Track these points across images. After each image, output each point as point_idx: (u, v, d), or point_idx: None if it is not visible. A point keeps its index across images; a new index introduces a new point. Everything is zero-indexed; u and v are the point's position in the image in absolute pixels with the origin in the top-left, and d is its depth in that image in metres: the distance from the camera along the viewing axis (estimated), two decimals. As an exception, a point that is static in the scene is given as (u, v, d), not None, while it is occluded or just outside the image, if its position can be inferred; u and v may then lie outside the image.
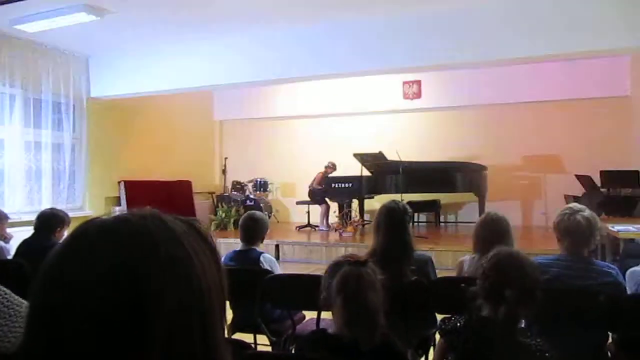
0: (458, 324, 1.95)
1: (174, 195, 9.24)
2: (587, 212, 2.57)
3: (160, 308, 0.59)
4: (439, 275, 3.13)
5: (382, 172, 9.15)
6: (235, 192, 10.73)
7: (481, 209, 8.60)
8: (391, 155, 8.85)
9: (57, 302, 0.59)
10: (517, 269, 1.82)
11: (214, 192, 11.12)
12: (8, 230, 4.53)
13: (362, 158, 9.08)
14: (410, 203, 3.50)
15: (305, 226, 9.87)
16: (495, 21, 6.03)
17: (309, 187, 9.87)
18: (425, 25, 6.33)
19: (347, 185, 9.23)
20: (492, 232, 2.81)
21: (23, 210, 7.09)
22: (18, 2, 5.48)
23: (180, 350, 0.60)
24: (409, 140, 10.19)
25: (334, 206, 9.76)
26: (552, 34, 5.77)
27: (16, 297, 1.34)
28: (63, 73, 7.94)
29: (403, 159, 8.48)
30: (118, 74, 8.11)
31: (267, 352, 2.78)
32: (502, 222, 2.89)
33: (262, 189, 11.01)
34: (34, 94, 7.65)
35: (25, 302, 1.35)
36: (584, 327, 2.43)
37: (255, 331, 3.33)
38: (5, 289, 1.32)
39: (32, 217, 4.12)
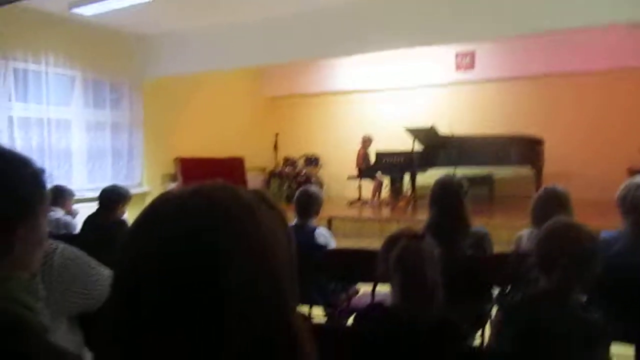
0: (514, 298, 1.94)
1: (227, 171, 9.40)
2: (654, 186, 2.51)
3: (232, 278, 0.60)
4: (495, 251, 3.06)
5: (434, 146, 9.04)
6: (287, 168, 10.82)
7: (537, 183, 8.37)
8: (444, 129, 8.73)
9: (136, 266, 0.61)
10: (572, 238, 1.76)
11: (265, 168, 11.27)
12: (73, 207, 4.75)
13: (414, 132, 8.99)
14: (463, 177, 3.50)
15: (357, 201, 9.83)
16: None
17: (356, 165, 9.83)
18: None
19: (398, 160, 9.18)
20: (552, 205, 2.74)
21: (86, 187, 7.33)
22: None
23: (254, 317, 0.61)
24: (462, 114, 10.00)
25: (385, 181, 9.70)
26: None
27: (95, 260, 1.44)
28: (119, 54, 8.15)
29: (456, 133, 8.41)
30: (171, 54, 8.20)
31: (326, 325, 2.83)
32: (561, 195, 2.83)
33: (313, 164, 11.07)
34: (93, 75, 7.92)
35: (104, 266, 1.45)
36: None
37: (311, 304, 3.36)
38: (83, 253, 1.42)
39: (94, 194, 4.27)
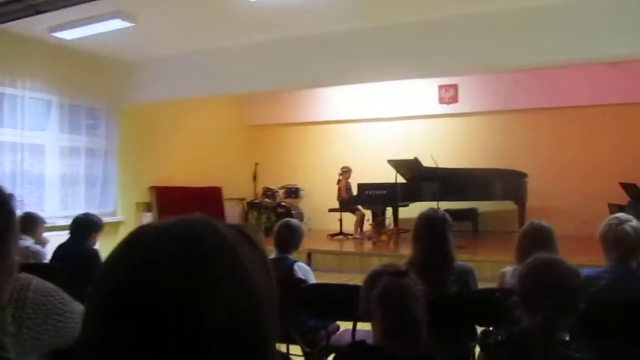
0: (499, 337, 1.92)
1: (204, 201, 9.28)
2: (635, 222, 2.53)
3: (213, 314, 0.59)
4: (479, 287, 3.07)
5: (417, 179, 9.05)
6: (266, 199, 10.74)
7: (521, 218, 8.47)
8: (427, 162, 8.75)
9: (113, 298, 0.60)
10: (556, 275, 1.77)
11: (244, 199, 11.17)
12: (44, 235, 4.54)
13: (397, 164, 9.01)
14: (448, 211, 3.54)
15: (338, 234, 9.77)
16: (544, 22, 5.88)
17: (338, 198, 9.85)
18: (472, 25, 6.22)
19: (381, 192, 9.13)
20: (536, 241, 2.74)
21: (58, 215, 7.19)
22: (56, 11, 5.65)
23: (233, 354, 0.60)
24: (445, 146, 10.10)
25: (367, 214, 9.68)
26: (610, 35, 5.55)
27: (67, 296, 1.40)
28: (98, 78, 8.07)
29: (439, 166, 8.41)
30: (151, 80, 8.18)
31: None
32: (546, 231, 2.85)
33: (293, 196, 10.97)
34: (70, 100, 7.84)
35: (76, 302, 1.41)
36: (631, 343, 2.36)
37: (289, 341, 3.29)
38: (56, 288, 1.38)
39: (66, 222, 4.24)
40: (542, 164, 9.58)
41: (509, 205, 9.00)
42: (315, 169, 11.23)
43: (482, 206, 9.61)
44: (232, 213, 10.45)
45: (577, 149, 9.52)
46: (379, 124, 10.93)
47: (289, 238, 3.59)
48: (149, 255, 0.62)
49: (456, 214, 8.85)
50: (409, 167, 9.07)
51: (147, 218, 8.68)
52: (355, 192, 9.60)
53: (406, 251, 4.64)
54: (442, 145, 10.10)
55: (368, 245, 8.91)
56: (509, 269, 2.99)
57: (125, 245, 0.64)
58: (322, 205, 10.41)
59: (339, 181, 9.91)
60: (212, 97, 8.70)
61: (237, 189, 10.98)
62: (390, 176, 9.00)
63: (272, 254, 3.58)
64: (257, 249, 0.69)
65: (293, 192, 11.00)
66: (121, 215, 8.48)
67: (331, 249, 8.62)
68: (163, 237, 0.63)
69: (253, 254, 0.68)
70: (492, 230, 9.74)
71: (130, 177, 8.75)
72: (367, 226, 9.71)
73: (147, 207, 9.03)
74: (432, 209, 3.10)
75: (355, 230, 9.74)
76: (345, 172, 9.86)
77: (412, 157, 8.95)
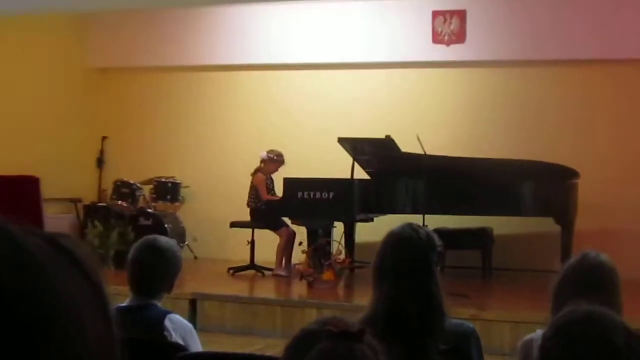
0: None
1: (8, 200, 9.23)
2: None
3: None
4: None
5: (389, 173, 9.25)
6: (120, 201, 10.56)
7: (566, 247, 8.51)
8: (407, 144, 8.68)
9: None
10: (599, 343, 1.89)
11: (80, 200, 11.29)
12: None
13: (355, 147, 9.01)
14: (439, 231, 3.58)
15: (246, 267, 9.73)
16: None
17: (249, 204, 9.92)
18: None
19: (324, 194, 9.13)
20: (588, 285, 2.92)
21: None
22: None
23: None
24: (439, 119, 10.29)
25: (300, 232, 9.57)
26: None
27: None
28: None
29: (428, 152, 8.39)
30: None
31: None
32: (606, 270, 3.03)
33: (168, 197, 10.87)
34: None
35: None
36: None
37: None
38: None
39: None
40: (603, 157, 9.76)
41: (546, 224, 9.12)
42: (212, 151, 11.37)
43: (499, 224, 9.69)
44: (57, 223, 10.49)
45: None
46: (327, 74, 11.10)
47: (156, 271, 3.66)
48: None
49: (454, 237, 9.58)
50: (376, 153, 9.18)
51: None
52: (280, 194, 9.68)
53: (363, 299, 4.73)
54: (434, 117, 10.29)
55: (299, 288, 8.96)
56: (538, 335, 2.98)
57: None
58: (219, 216, 10.52)
59: (254, 173, 9.93)
60: (25, 18, 8.81)
61: (67, 181, 11.08)
62: (344, 168, 9.06)
63: (126, 300, 3.66)
64: (87, 276, 0.73)
65: (168, 191, 10.87)
66: None
67: (233, 292, 8.68)
68: None
69: (78, 284, 0.72)
70: (514, 267, 9.90)
71: None
72: (298, 254, 9.58)
73: None
74: (409, 224, 3.19)
75: (278, 262, 9.74)
76: (271, 159, 9.87)
77: (382, 136, 8.95)
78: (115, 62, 11.84)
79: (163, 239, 3.83)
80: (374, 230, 8.68)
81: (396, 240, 3.06)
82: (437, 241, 3.10)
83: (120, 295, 3.71)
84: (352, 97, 10.91)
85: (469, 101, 10.54)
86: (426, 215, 8.15)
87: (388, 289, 3.01)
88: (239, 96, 11.64)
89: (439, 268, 3.11)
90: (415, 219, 7.51)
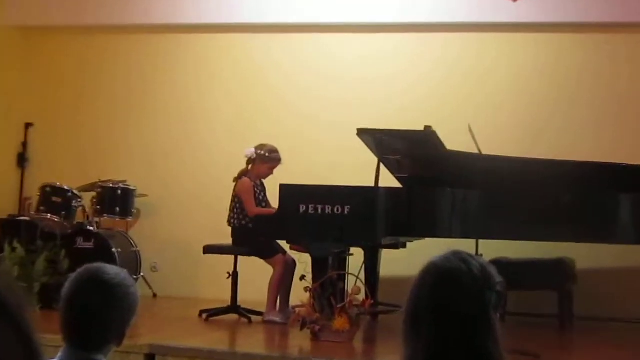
0: None
1: None
2: None
3: None
4: None
5: (429, 180, 9.10)
6: (50, 215, 10.21)
7: None
8: (454, 140, 8.45)
9: None
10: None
11: None
12: None
13: (381, 143, 8.81)
14: (498, 263, 3.76)
15: (226, 310, 9.51)
16: None
17: (230, 221, 9.73)
18: None
19: (337, 210, 8.90)
20: None
21: None
22: None
23: None
24: (498, 104, 10.36)
25: (302, 261, 9.38)
26: None
27: None
28: None
29: (485, 150, 8.42)
30: None
31: None
32: None
33: (117, 210, 10.57)
34: None
35: None
36: None
37: None
38: None
39: None
40: None
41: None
42: (178, 146, 11.26)
43: (583, 255, 9.65)
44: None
45: None
46: (342, 38, 11.10)
47: (99, 315, 3.58)
48: None
49: (521, 272, 10.03)
50: (411, 151, 9.09)
51: None
52: (275, 206, 9.39)
53: (390, 357, 4.87)
54: (490, 100, 10.32)
55: (300, 341, 8.73)
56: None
57: None
58: (188, 237, 10.69)
59: (238, 178, 9.72)
60: None
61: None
62: (365, 172, 8.94)
63: (57, 354, 3.60)
64: (7, 318, 0.87)
65: (117, 201, 10.60)
66: None
67: (207, 345, 8.43)
68: None
69: (4, 340, 0.87)
70: (604, 315, 9.89)
71: None
72: (299, 292, 9.28)
73: None
74: (459, 255, 3.02)
75: (271, 303, 9.54)
76: (261, 158, 9.67)
77: (418, 127, 8.78)
78: (43, 19, 11.50)
79: (110, 270, 3.70)
80: (407, 260, 9.17)
81: (438, 276, 2.94)
82: (496, 277, 2.92)
83: (49, 346, 3.53)
84: (377, 73, 10.89)
85: (539, 79, 10.64)
86: (481, 241, 8.25)
87: (426, 344, 2.87)
88: (218, 69, 11.48)
89: (498, 315, 2.91)
90: (466, 245, 7.78)
